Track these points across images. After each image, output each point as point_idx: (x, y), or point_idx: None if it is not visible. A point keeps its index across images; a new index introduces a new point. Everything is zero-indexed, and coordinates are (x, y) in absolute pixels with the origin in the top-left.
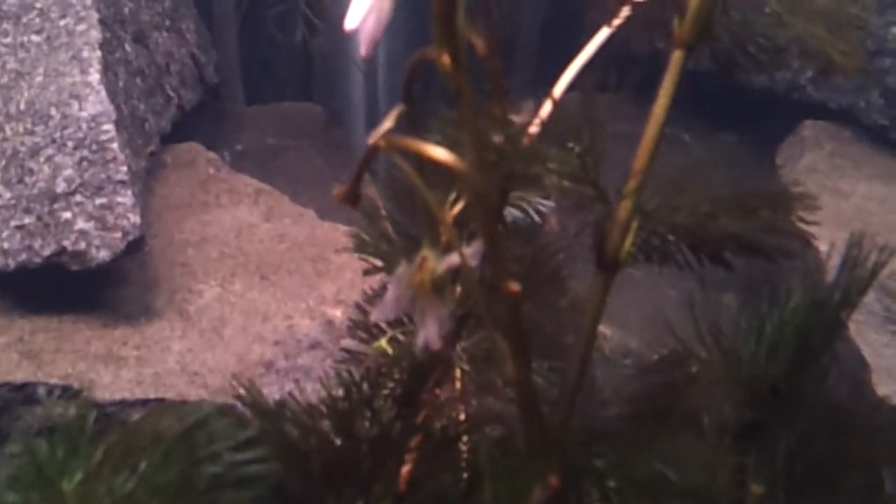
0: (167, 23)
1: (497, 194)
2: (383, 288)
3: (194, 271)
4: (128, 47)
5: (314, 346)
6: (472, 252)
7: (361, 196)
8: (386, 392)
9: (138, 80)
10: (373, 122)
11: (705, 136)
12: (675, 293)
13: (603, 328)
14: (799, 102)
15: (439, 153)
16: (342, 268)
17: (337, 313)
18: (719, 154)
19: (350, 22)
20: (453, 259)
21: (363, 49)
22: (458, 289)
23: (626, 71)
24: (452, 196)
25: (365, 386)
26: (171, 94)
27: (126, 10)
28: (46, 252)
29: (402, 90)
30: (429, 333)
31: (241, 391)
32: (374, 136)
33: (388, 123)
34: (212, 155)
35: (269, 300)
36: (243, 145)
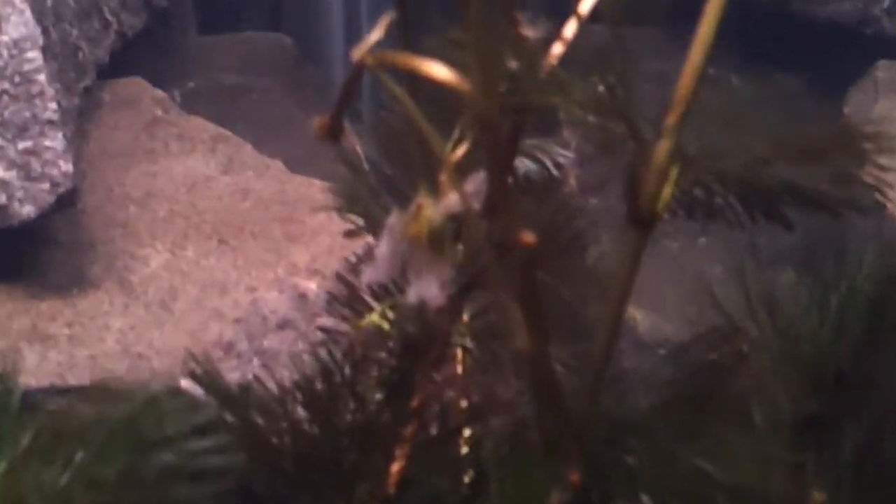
0: None
1: (508, 128)
2: (369, 253)
3: (138, 233)
4: None
5: (284, 324)
6: (473, 189)
7: (344, 130)
8: (372, 374)
9: (70, 0)
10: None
11: (758, 78)
12: (721, 270)
13: (633, 311)
14: (872, 38)
15: (439, 71)
16: (317, 231)
17: (311, 285)
18: (774, 100)
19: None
20: (453, 201)
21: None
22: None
23: None
24: (453, 136)
25: (347, 367)
26: (110, 17)
27: None
28: None
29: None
30: (427, 291)
31: (196, 370)
32: (359, 50)
33: (375, 35)
34: (159, 93)
35: (228, 269)
36: (197, 83)
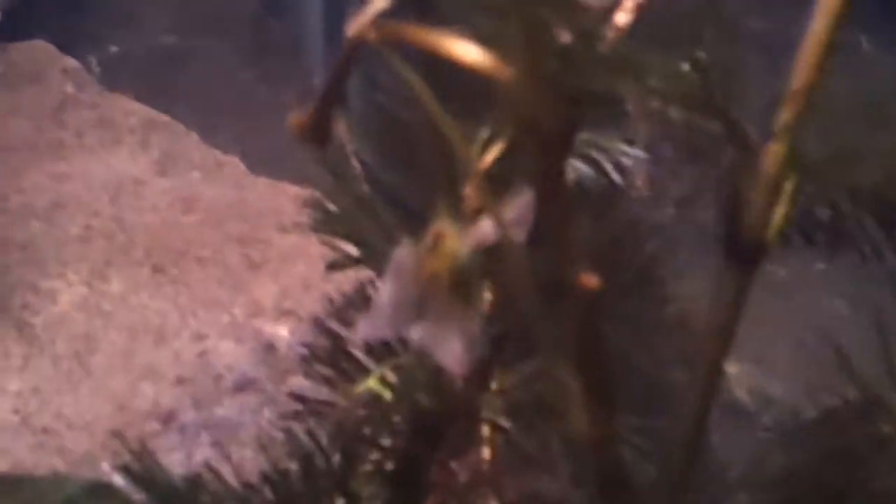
0: None
1: (562, 126)
2: (363, 291)
3: (42, 258)
4: None
5: (243, 385)
6: (513, 215)
7: (333, 130)
8: (370, 465)
9: None
10: (336, 9)
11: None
12: (846, 304)
13: (729, 364)
14: None
15: (467, 50)
16: (289, 256)
17: (281, 332)
18: None
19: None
20: (486, 230)
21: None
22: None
23: None
24: (483, 136)
25: (335, 453)
26: None
27: None
28: None
29: None
30: (448, 351)
31: (126, 457)
32: (357, 23)
33: (379, 2)
34: (70, 62)
35: (167, 308)
36: (121, 46)
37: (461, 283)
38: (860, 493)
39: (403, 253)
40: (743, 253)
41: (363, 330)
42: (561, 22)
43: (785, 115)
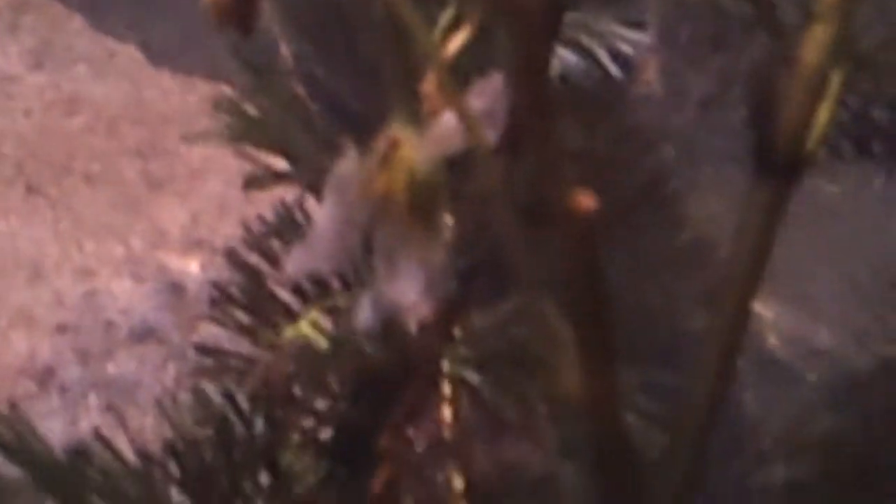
0: None
1: (547, 4)
2: (290, 215)
3: None
4: None
5: (142, 335)
6: (481, 104)
7: (258, 12)
8: (303, 431)
9: None
10: None
11: None
12: None
13: (760, 306)
14: None
15: None
16: (200, 171)
17: (190, 266)
18: None
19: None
20: (449, 130)
21: None
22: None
23: None
24: (445, 18)
25: (258, 420)
26: None
27: None
28: None
29: None
30: (407, 294)
31: None
32: None
33: None
34: None
35: (45, 237)
36: None
37: (421, 203)
38: None
39: (347, 166)
40: (777, 165)
41: (295, 262)
42: None
43: (818, 24)
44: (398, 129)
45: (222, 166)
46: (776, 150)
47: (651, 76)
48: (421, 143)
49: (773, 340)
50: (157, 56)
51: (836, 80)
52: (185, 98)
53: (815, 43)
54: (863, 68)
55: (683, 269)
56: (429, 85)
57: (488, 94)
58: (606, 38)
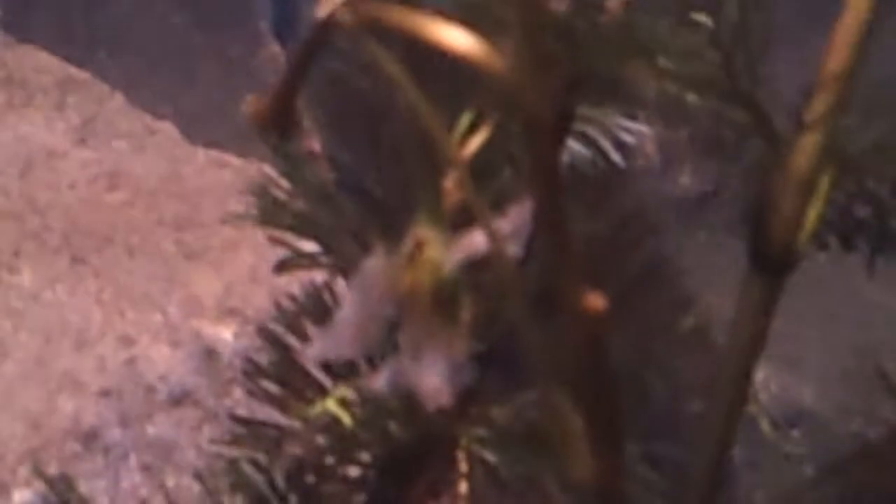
0: None
1: (558, 113)
2: (318, 295)
3: None
4: None
5: (179, 399)
6: (509, 225)
7: (297, 117)
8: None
9: None
10: None
11: None
12: (891, 299)
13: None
14: None
15: (457, 38)
16: (233, 243)
17: (224, 334)
18: None
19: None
20: (475, 242)
21: None
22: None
23: None
24: (465, 121)
25: (292, 495)
26: None
27: None
28: None
29: None
30: (430, 384)
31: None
32: (330, 2)
33: None
34: None
35: (88, 305)
36: None
37: (444, 299)
38: None
39: (373, 263)
40: (771, 262)
41: (319, 348)
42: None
43: (819, 102)
44: (424, 230)
45: (254, 239)
46: (770, 248)
47: (649, 154)
48: (446, 245)
49: (762, 396)
50: (192, 131)
51: (824, 183)
52: (219, 173)
53: (805, 149)
54: (847, 171)
55: (684, 351)
56: (450, 183)
57: (517, 214)
58: (610, 130)
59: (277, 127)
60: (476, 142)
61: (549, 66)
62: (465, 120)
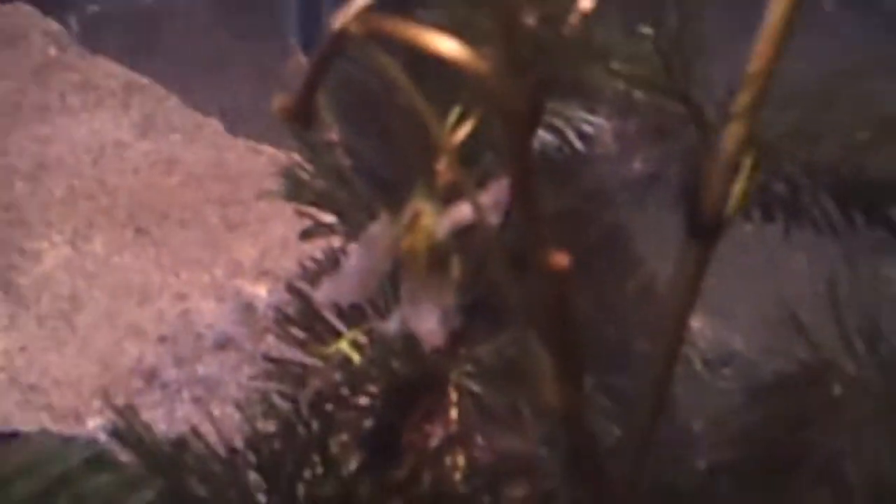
0: None
1: (531, 109)
2: (335, 257)
3: (27, 219)
4: None
5: (223, 344)
6: (490, 199)
7: (315, 113)
8: (346, 429)
9: None
10: None
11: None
12: (807, 260)
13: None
14: None
15: (447, 45)
16: (268, 216)
17: (260, 291)
18: (878, 29)
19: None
20: (464, 213)
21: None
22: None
23: None
24: (454, 114)
25: (313, 420)
26: None
27: None
28: None
29: None
30: (423, 322)
31: (111, 414)
32: (343, 17)
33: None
34: (51, 24)
35: (149, 268)
36: (100, 6)
37: (436, 259)
38: (811, 456)
39: (376, 228)
40: (704, 229)
41: (326, 291)
42: (529, 8)
43: (743, 97)
44: (421, 203)
45: (285, 213)
46: (703, 218)
47: (606, 143)
48: (438, 216)
49: (699, 342)
50: (234, 126)
51: (746, 165)
52: (256, 159)
53: (731, 136)
54: (766, 154)
55: (633, 303)
56: (442, 165)
57: (498, 189)
58: (573, 122)
59: (301, 120)
60: (463, 131)
61: (522, 68)
62: (454, 113)
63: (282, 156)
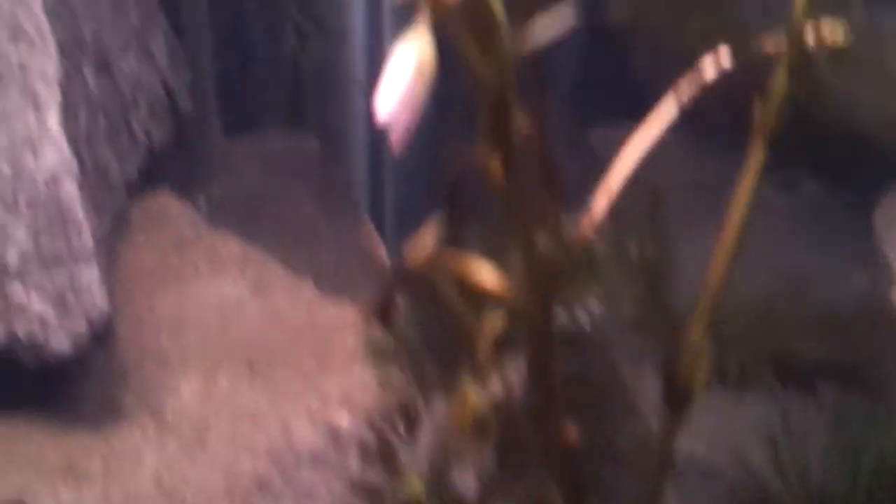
0: (134, 42)
1: (547, 318)
2: (406, 406)
3: (170, 361)
4: (89, 78)
5: (316, 460)
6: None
7: (394, 313)
8: None
9: (101, 119)
10: (377, 155)
11: (788, 185)
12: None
13: None
14: None
15: (486, 276)
16: (349, 359)
17: (343, 419)
18: (804, 210)
19: (380, 110)
20: (495, 392)
21: (395, 143)
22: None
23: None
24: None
25: None
26: (139, 131)
27: (87, 31)
28: None
29: (442, 198)
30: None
31: None
32: (410, 251)
33: (427, 237)
34: (186, 209)
35: (260, 400)
36: (222, 188)
37: (479, 427)
38: None
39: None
40: (675, 399)
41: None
42: (546, 240)
43: (702, 305)
44: (467, 384)
45: (364, 361)
46: (674, 393)
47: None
48: (479, 394)
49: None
50: (322, 283)
51: (706, 355)
52: (342, 313)
53: (696, 333)
54: (723, 346)
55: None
56: (482, 357)
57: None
58: (580, 305)
59: (382, 317)
60: (495, 327)
61: (542, 288)
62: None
63: (362, 314)
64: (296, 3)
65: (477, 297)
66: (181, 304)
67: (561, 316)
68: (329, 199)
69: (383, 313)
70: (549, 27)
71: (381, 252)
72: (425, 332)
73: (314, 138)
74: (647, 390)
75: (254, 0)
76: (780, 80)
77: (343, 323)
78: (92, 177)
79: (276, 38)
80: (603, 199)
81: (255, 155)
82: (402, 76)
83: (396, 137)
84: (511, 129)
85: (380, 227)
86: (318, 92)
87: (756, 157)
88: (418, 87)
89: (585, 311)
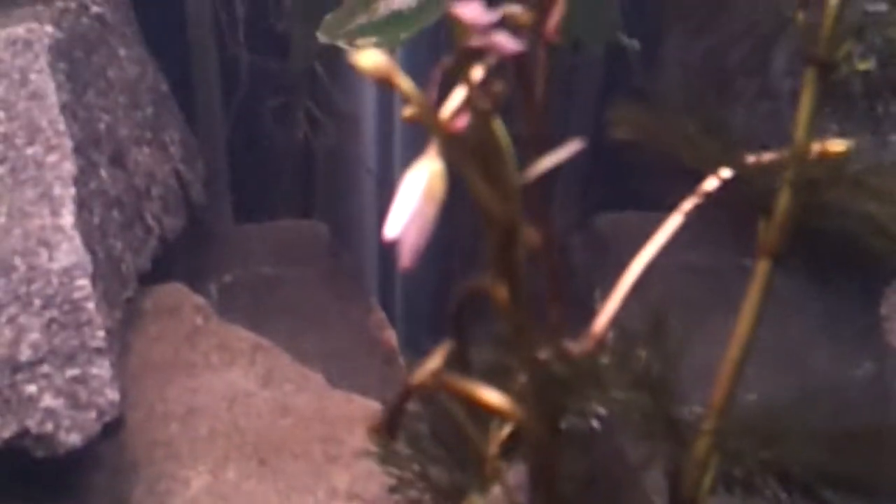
0: (148, 135)
1: (553, 429)
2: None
3: (179, 453)
4: (103, 173)
5: None
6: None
7: (400, 428)
8: None
9: (115, 212)
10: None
11: (790, 272)
12: None
13: None
14: None
15: (493, 398)
16: (356, 451)
17: None
18: (809, 300)
19: (390, 230)
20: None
21: (404, 260)
22: None
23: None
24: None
25: None
26: (152, 223)
27: (102, 125)
28: (6, 434)
29: (449, 324)
30: None
31: None
32: (419, 375)
33: (434, 362)
34: (198, 300)
35: (269, 492)
36: (233, 276)
37: None
38: None
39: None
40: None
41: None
42: (551, 359)
43: (708, 421)
44: (475, 499)
45: (371, 452)
46: (681, 498)
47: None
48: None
49: None
50: (331, 374)
51: (713, 463)
52: (350, 406)
53: (701, 446)
54: (728, 457)
55: None
56: (488, 468)
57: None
58: (590, 411)
59: (389, 433)
60: (500, 441)
61: (546, 415)
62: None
63: (371, 404)
64: (308, 90)
65: (483, 414)
66: (192, 395)
67: (570, 419)
68: (339, 285)
69: (392, 426)
70: (556, 157)
71: (391, 338)
72: (436, 435)
73: (325, 225)
74: (655, 492)
75: (266, 88)
76: (784, 199)
77: (351, 414)
78: (105, 269)
79: (288, 125)
80: (606, 315)
81: (267, 241)
82: (413, 198)
83: (406, 256)
84: (517, 258)
85: (390, 314)
86: (330, 179)
87: (762, 276)
88: (428, 210)
89: (594, 415)
